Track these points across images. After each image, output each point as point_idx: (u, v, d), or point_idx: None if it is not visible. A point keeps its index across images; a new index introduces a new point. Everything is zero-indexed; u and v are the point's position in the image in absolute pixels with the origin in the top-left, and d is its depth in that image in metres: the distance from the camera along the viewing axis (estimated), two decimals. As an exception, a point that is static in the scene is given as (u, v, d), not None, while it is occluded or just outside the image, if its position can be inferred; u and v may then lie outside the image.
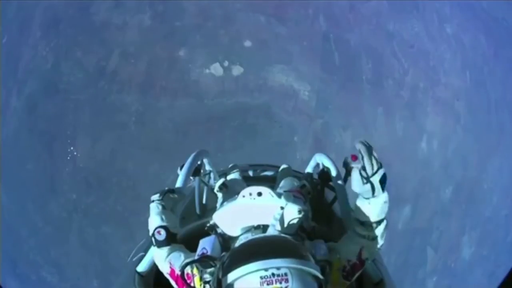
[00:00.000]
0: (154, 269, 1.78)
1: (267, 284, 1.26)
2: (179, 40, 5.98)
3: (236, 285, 1.33)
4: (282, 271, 1.30)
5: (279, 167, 3.02)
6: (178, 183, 2.11)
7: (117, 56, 5.89)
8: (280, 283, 1.26)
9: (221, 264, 1.42)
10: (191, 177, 2.21)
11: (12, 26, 5.87)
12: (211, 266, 1.55)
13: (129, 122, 5.71)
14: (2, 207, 5.25)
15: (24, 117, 5.73)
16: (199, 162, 2.32)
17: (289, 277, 1.28)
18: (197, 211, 2.27)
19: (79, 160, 5.63)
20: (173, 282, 1.74)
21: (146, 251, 1.83)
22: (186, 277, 1.63)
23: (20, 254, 5.41)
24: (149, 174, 5.43)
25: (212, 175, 2.72)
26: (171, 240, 1.79)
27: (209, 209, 2.33)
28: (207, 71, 5.88)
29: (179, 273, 1.67)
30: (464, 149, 6.59)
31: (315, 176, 2.47)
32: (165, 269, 1.78)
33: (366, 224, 1.73)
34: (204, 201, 2.38)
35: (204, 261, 1.57)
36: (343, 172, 2.32)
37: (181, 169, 2.19)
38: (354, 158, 2.20)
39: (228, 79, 5.89)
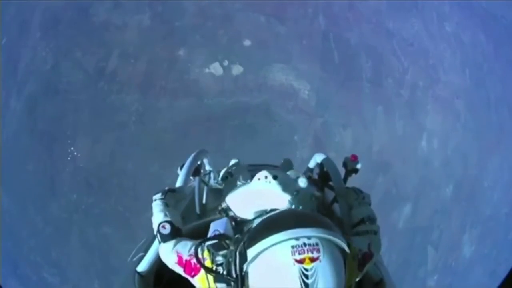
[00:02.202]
0: (154, 269, 1.78)
1: (299, 254, 1.23)
2: (179, 40, 5.98)
3: (262, 257, 1.30)
4: (313, 240, 1.27)
5: (279, 167, 3.03)
6: (178, 183, 2.11)
7: (116, 56, 5.89)
8: (312, 252, 1.24)
9: (243, 238, 1.39)
10: (191, 177, 2.21)
11: (11, 27, 5.87)
12: (224, 248, 1.51)
13: (129, 122, 5.71)
14: (2, 208, 5.25)
15: (24, 118, 5.72)
16: (199, 162, 2.32)
17: (320, 247, 1.26)
18: (197, 211, 2.27)
19: (79, 161, 5.63)
20: (180, 270, 1.67)
21: (146, 251, 1.83)
22: (196, 260, 1.54)
23: (21, 255, 5.41)
24: (149, 174, 5.43)
25: (212, 175, 2.73)
26: (176, 233, 1.77)
27: (209, 209, 2.33)
28: (207, 70, 5.88)
29: (187, 257, 1.63)
30: (464, 147, 6.59)
31: (315, 176, 2.47)
32: (171, 260, 1.72)
33: (365, 220, 1.80)
34: (204, 201, 2.38)
35: (218, 239, 1.51)
36: (343, 172, 2.33)
37: (181, 169, 2.20)
38: (354, 158, 2.21)
39: (227, 79, 5.89)
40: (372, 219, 1.84)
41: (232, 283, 1.44)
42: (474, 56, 6.93)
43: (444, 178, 6.54)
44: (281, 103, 5.89)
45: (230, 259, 1.45)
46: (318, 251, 1.25)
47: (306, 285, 1.18)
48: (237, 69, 5.91)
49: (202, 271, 1.53)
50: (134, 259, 1.90)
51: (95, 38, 5.94)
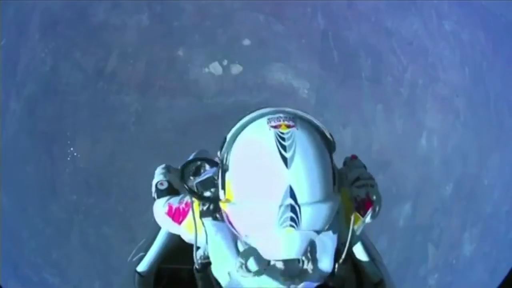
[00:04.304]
0: (154, 269, 1.78)
1: (274, 122, 1.24)
2: (178, 39, 5.98)
3: (240, 136, 1.33)
4: (290, 115, 1.30)
5: None
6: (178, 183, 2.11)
7: (115, 56, 5.90)
8: (288, 121, 1.24)
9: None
10: (191, 177, 2.21)
11: (10, 28, 5.87)
12: (214, 186, 1.49)
13: (128, 122, 5.71)
14: (2, 209, 5.25)
15: (23, 119, 5.73)
16: (199, 162, 2.32)
17: (298, 120, 1.27)
18: None
19: (79, 161, 5.64)
20: (169, 222, 1.65)
21: (146, 251, 1.83)
22: (184, 205, 1.57)
23: (21, 256, 5.41)
24: (149, 174, 5.38)
25: None
26: (172, 192, 1.82)
27: None
28: (206, 70, 5.87)
29: (177, 205, 1.62)
30: (464, 145, 6.60)
31: None
32: (162, 212, 1.69)
33: (360, 178, 1.80)
34: None
35: (207, 179, 1.55)
36: None
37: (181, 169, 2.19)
38: (354, 158, 2.21)
39: (227, 78, 5.88)
40: (366, 175, 1.80)
41: (218, 215, 1.41)
42: (473, 54, 6.94)
43: (444, 176, 6.55)
44: (281, 102, 5.88)
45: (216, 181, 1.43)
46: (294, 121, 1.25)
47: (283, 147, 1.12)
48: (236, 69, 5.91)
49: (190, 213, 1.50)
50: (134, 259, 1.89)
51: (94, 39, 5.94)
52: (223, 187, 1.29)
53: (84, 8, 6.01)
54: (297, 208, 1.07)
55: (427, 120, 6.57)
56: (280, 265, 1.32)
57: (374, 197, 1.63)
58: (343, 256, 1.41)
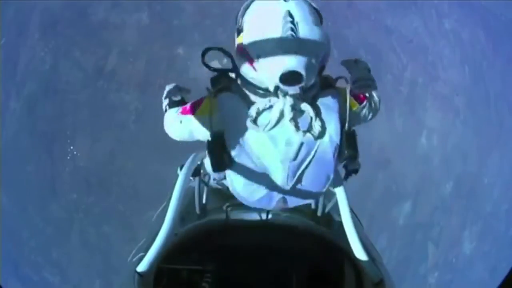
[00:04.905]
0: (154, 270, 1.78)
1: None
2: (178, 38, 5.97)
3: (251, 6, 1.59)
4: None
5: None
6: (178, 184, 2.09)
7: (115, 55, 5.89)
8: None
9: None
10: (191, 177, 2.20)
11: (10, 28, 5.87)
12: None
13: (128, 121, 5.71)
14: (2, 208, 5.25)
15: (23, 118, 5.73)
16: (199, 162, 2.31)
17: None
18: (197, 211, 2.26)
19: (79, 160, 5.64)
20: (182, 118, 1.76)
21: (146, 251, 1.82)
22: (198, 99, 1.75)
23: (21, 255, 5.42)
24: (149, 173, 5.44)
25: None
26: (184, 103, 1.95)
27: (209, 209, 2.32)
28: (206, 69, 5.87)
29: (191, 102, 1.76)
30: (464, 144, 6.60)
31: None
32: (174, 115, 1.86)
33: (361, 79, 1.90)
34: (204, 201, 2.38)
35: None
36: (342, 171, 2.33)
37: (181, 169, 2.18)
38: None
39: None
40: (367, 76, 1.89)
41: (233, 86, 1.61)
42: (473, 53, 6.94)
43: (444, 174, 6.56)
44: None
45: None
46: None
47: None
48: (236, 67, 5.91)
49: (205, 99, 1.66)
50: (134, 259, 1.89)
51: (94, 38, 5.94)
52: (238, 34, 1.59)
53: (84, 7, 6.00)
54: (295, 22, 1.38)
55: (427, 118, 6.58)
56: (288, 112, 1.43)
57: (369, 94, 1.77)
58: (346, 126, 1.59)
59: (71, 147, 5.69)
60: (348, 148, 1.56)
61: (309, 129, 1.48)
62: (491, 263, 6.33)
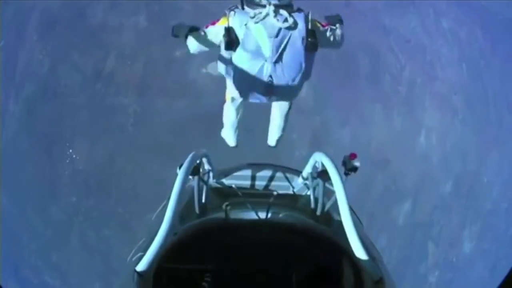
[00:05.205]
0: (154, 269, 1.77)
1: None
2: (176, 40, 5.96)
3: None
4: None
5: (278, 166, 3.03)
6: (177, 183, 2.09)
7: (113, 58, 5.88)
8: None
9: None
10: (190, 176, 2.19)
11: (9, 30, 5.86)
12: None
13: (127, 124, 5.70)
14: (2, 211, 5.25)
15: (22, 121, 5.72)
16: (198, 161, 2.30)
17: None
18: (196, 210, 2.26)
19: (78, 163, 5.63)
20: (205, 31, 2.50)
21: (145, 250, 1.82)
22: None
23: (22, 258, 5.41)
24: (148, 175, 5.43)
25: (211, 174, 2.71)
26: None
27: (208, 208, 2.32)
28: (204, 70, 5.88)
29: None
30: (463, 143, 6.61)
31: (315, 176, 2.45)
32: (197, 33, 2.50)
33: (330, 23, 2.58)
34: (203, 201, 2.37)
35: None
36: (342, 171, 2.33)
37: (180, 168, 2.17)
38: (353, 156, 2.21)
39: (225, 78, 5.87)
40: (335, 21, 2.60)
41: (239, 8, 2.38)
42: (471, 51, 6.94)
43: (444, 173, 6.56)
44: (279, 102, 5.88)
45: None
46: None
47: None
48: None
49: (223, 16, 2.38)
50: (134, 259, 1.88)
51: (92, 40, 5.93)
52: None
53: (82, 9, 6.00)
54: None
55: (426, 118, 6.58)
56: (271, 12, 2.27)
57: (332, 25, 2.54)
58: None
59: (70, 150, 5.68)
60: (310, 37, 2.29)
61: (285, 21, 2.23)
62: (491, 261, 6.33)
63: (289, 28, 2.25)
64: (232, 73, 2.46)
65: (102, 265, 5.48)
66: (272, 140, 3.71)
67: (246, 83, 2.44)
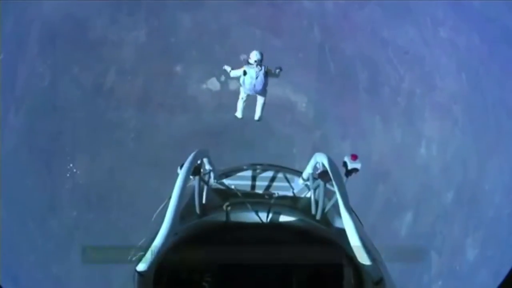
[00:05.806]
0: (154, 269, 1.77)
1: None
2: (175, 55, 6.03)
3: None
4: None
5: (278, 166, 3.04)
6: (178, 182, 2.07)
7: (114, 72, 5.93)
8: None
9: None
10: (191, 176, 2.18)
11: (9, 42, 5.92)
12: None
13: (127, 139, 5.73)
14: (2, 224, 5.24)
15: (22, 135, 5.75)
16: (199, 162, 2.29)
17: None
18: (197, 210, 2.25)
19: (78, 177, 5.64)
20: (240, 69, 4.76)
21: (145, 250, 1.80)
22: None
23: (21, 271, 5.39)
24: (148, 190, 5.43)
25: (212, 174, 2.71)
26: None
27: (209, 208, 2.31)
28: (204, 86, 5.92)
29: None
30: (464, 151, 6.60)
31: (315, 176, 2.46)
32: (236, 71, 4.84)
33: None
34: (204, 201, 2.37)
35: None
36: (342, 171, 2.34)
37: (181, 168, 2.16)
38: (354, 157, 2.23)
39: (225, 94, 5.92)
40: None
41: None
42: (469, 59, 6.96)
43: (445, 183, 6.54)
44: (279, 117, 5.92)
45: None
46: None
47: None
48: (234, 84, 5.94)
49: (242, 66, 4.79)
50: (134, 259, 1.87)
51: (92, 54, 5.98)
52: None
53: (82, 23, 6.06)
54: None
55: (426, 128, 6.58)
56: (255, 67, 4.77)
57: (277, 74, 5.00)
58: None
59: (71, 165, 5.69)
60: (266, 72, 4.65)
61: (259, 69, 4.62)
62: (495, 268, 6.28)
63: (260, 70, 4.62)
64: (244, 84, 4.72)
65: (102, 279, 5.45)
66: (256, 116, 5.27)
67: (247, 87, 4.75)
